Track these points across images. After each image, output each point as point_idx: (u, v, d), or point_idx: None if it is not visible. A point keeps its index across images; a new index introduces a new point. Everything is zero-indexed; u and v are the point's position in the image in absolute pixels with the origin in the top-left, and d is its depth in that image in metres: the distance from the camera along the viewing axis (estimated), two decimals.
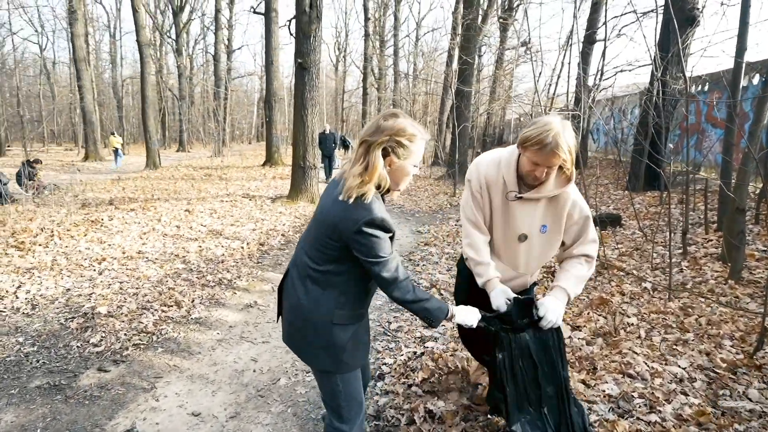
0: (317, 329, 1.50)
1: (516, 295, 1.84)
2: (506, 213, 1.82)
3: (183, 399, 2.57)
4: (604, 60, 10.25)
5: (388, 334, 3.43)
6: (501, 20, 16.72)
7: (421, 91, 21.65)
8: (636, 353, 2.99)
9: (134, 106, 39.52)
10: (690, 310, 3.62)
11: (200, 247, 5.42)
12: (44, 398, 2.50)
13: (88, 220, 6.41)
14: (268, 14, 14.70)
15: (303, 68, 8.02)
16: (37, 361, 2.83)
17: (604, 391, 2.53)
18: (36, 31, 35.73)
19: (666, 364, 2.84)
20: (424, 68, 23.44)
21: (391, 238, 1.47)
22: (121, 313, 3.48)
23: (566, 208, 1.77)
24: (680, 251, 4.90)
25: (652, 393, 2.47)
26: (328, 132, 12.64)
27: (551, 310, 1.74)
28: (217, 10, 21.87)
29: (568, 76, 7.59)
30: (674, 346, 3.09)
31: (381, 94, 24.24)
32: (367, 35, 22.71)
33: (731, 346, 3.05)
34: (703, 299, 3.83)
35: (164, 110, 38.15)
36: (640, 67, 9.75)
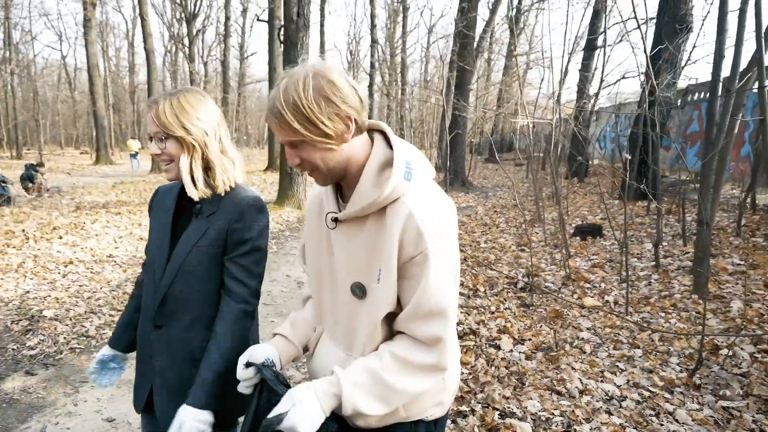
0: None
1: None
2: (329, 248, 1.03)
3: (102, 404, 2.57)
4: (604, 67, 10.07)
5: None
6: (509, 24, 16.60)
7: (428, 98, 21.65)
8: (574, 369, 2.89)
9: None
10: (646, 325, 3.50)
11: None
12: None
13: (71, 224, 6.53)
14: (271, 22, 14.86)
15: None
16: None
17: (526, 407, 2.45)
18: (59, 37, 36.40)
19: (602, 382, 2.74)
20: (434, 75, 23.42)
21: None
22: (67, 317, 3.51)
23: (392, 234, 0.88)
24: (653, 264, 4.75)
25: (573, 411, 2.38)
26: None
27: (297, 409, 0.84)
28: (227, 18, 22.28)
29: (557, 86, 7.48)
30: (617, 363, 2.98)
31: (390, 102, 24.33)
32: (374, 42, 22.84)
33: (677, 364, 2.94)
34: (663, 314, 3.71)
35: None
36: (640, 74, 9.61)
